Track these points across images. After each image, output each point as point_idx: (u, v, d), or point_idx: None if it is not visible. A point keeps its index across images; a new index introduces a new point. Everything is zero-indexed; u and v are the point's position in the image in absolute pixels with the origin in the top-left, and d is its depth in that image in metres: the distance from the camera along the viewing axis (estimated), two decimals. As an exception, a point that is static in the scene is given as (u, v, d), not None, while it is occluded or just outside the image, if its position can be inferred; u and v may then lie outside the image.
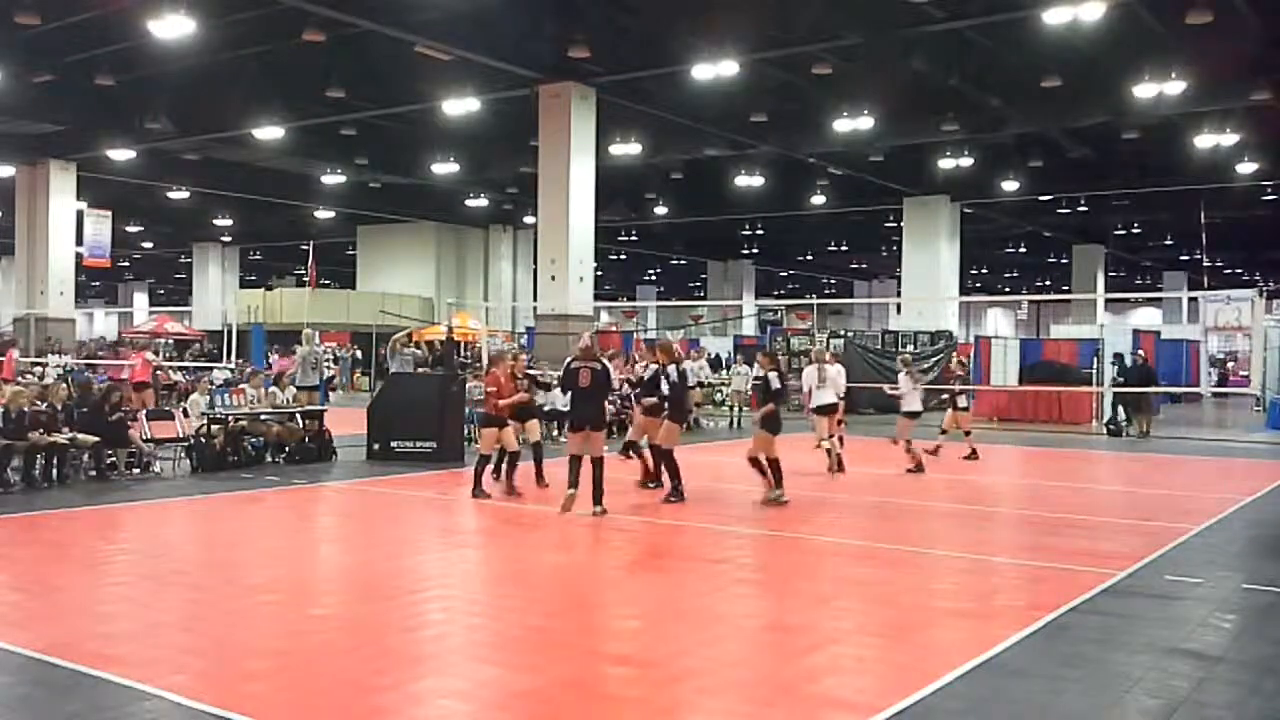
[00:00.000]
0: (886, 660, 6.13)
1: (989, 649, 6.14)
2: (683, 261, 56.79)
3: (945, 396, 18.56)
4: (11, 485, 12.02)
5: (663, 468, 11.92)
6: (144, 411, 15.07)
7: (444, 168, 29.80)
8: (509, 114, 24.92)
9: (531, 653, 6.24)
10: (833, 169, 30.69)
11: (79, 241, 31.25)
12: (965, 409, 17.14)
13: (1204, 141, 24.55)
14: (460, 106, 22.82)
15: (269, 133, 25.78)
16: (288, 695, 5.41)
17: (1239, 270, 55.82)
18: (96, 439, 12.91)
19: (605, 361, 11.63)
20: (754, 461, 11.75)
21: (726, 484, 13.37)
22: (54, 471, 12.52)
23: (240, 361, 24.45)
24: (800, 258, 55.66)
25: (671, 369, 12.05)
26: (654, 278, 67.03)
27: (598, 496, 10.72)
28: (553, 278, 22.31)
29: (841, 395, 14.93)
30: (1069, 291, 48.30)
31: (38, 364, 24.39)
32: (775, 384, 11.91)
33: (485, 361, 12.87)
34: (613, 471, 11.30)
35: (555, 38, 19.99)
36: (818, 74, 21.51)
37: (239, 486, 12.70)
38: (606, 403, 11.98)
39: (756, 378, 12.98)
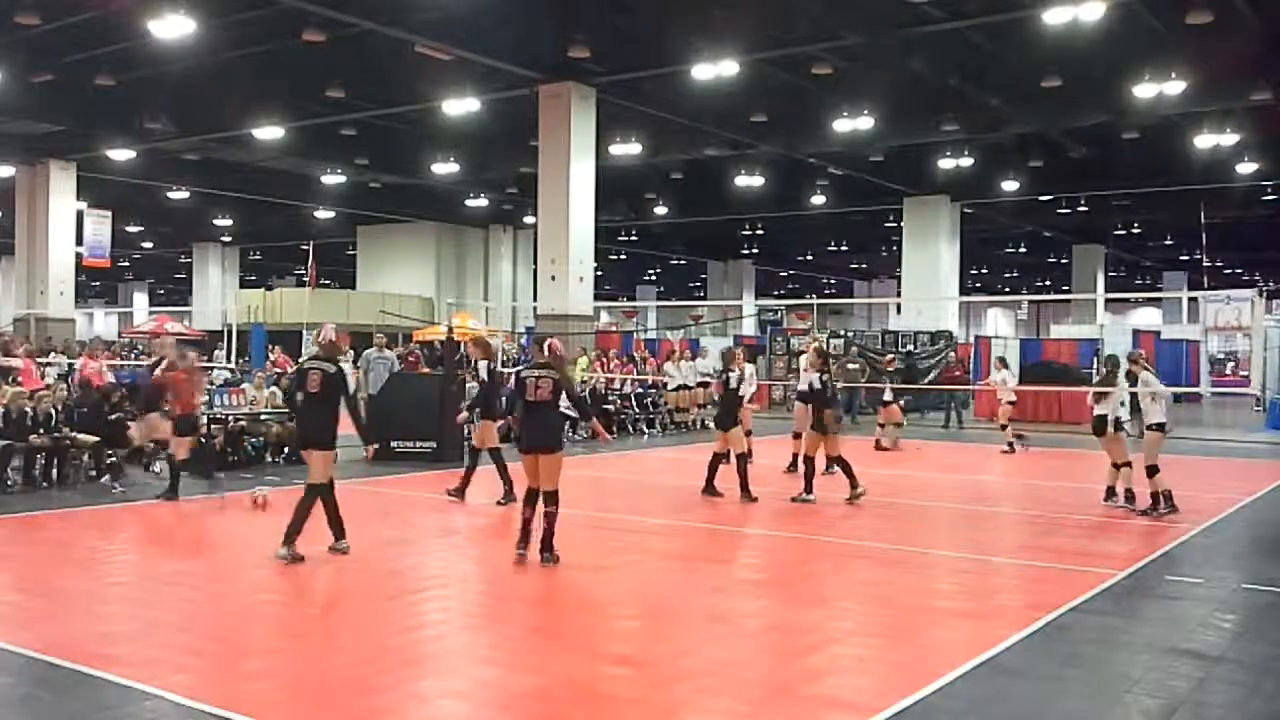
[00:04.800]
0: (886, 660, 6.13)
1: (989, 649, 6.14)
2: (683, 261, 56.74)
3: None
4: (11, 485, 12.02)
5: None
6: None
7: (444, 168, 29.76)
8: (509, 114, 24.90)
9: (531, 653, 6.24)
10: (833, 169, 30.65)
11: (79, 241, 31.22)
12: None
13: (1204, 141, 24.50)
14: (460, 106, 22.78)
15: (269, 133, 25.75)
16: (287, 695, 5.41)
17: (1239, 270, 55.75)
18: (96, 439, 12.91)
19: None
20: (808, 460, 12.20)
21: (725, 485, 13.34)
22: (54, 471, 12.51)
23: (243, 360, 24.36)
24: (800, 258, 55.60)
25: (482, 365, 11.92)
26: (654, 278, 66.95)
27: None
28: (553, 278, 22.29)
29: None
30: (1069, 291, 48.28)
31: (40, 363, 24.30)
32: (816, 385, 12.28)
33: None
34: (606, 472, 11.24)
35: (555, 38, 19.96)
36: (818, 74, 21.48)
37: (239, 486, 12.70)
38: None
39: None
